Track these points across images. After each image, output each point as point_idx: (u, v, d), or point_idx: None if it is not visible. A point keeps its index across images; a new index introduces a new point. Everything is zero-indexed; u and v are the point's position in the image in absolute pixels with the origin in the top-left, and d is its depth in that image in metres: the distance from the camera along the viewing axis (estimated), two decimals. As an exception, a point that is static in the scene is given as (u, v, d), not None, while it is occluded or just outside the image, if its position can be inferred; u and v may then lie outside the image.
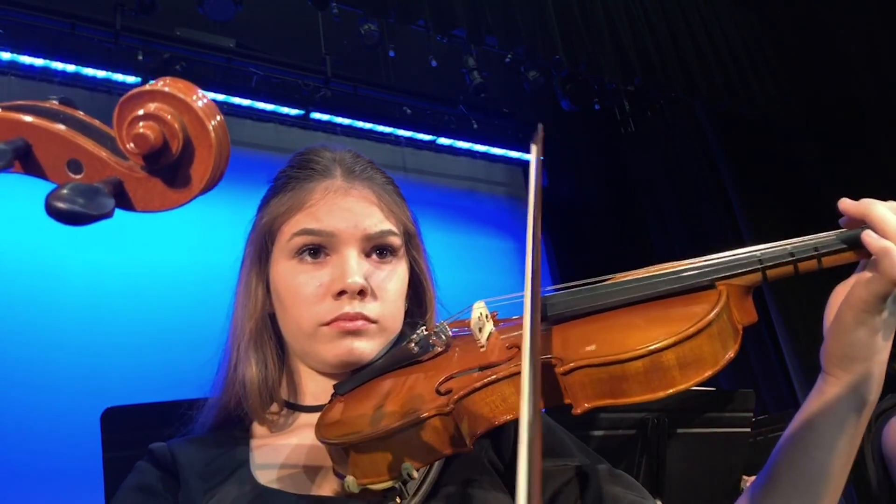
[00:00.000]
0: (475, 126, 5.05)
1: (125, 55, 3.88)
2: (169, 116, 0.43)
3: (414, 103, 4.87)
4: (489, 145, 5.21)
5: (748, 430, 1.93)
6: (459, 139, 5.15)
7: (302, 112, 4.52)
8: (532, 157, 0.87)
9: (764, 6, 4.90)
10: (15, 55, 3.73)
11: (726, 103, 4.62)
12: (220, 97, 4.26)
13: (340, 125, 4.71)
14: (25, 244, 3.59)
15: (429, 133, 5.05)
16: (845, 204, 0.75)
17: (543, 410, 0.88)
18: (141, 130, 0.42)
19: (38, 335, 3.50)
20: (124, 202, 0.44)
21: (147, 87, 0.43)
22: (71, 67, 3.85)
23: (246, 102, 4.35)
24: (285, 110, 4.49)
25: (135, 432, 1.35)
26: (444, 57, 4.41)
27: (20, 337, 3.46)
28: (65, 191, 0.39)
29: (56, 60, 3.82)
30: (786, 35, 4.83)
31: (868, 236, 0.72)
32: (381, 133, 4.87)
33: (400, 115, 4.84)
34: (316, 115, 4.56)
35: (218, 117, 0.44)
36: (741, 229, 4.70)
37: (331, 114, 4.61)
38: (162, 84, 0.43)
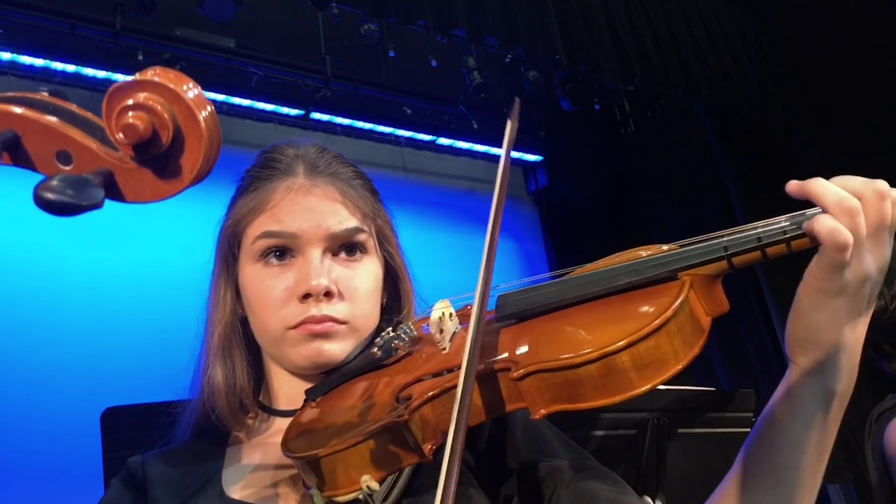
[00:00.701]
0: (475, 126, 5.04)
1: (125, 55, 3.88)
2: (159, 106, 0.42)
3: (414, 103, 4.86)
4: (489, 145, 5.20)
5: (748, 430, 1.92)
6: (459, 139, 5.14)
7: (302, 112, 4.51)
8: (507, 133, 0.83)
9: (764, 6, 4.89)
10: (15, 55, 3.72)
11: (726, 103, 4.61)
12: (220, 97, 4.25)
13: (340, 125, 4.70)
14: (25, 244, 3.58)
15: (429, 133, 5.04)
16: (791, 186, 0.71)
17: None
18: (130, 121, 0.42)
19: (39, 335, 3.49)
20: (115, 193, 0.44)
21: (137, 76, 0.43)
22: (71, 67, 3.85)
23: (246, 102, 4.34)
24: (285, 110, 4.49)
25: (135, 432, 1.35)
26: (444, 57, 4.40)
27: (20, 337, 3.45)
28: (54, 182, 0.39)
29: (56, 60, 3.81)
30: (786, 35, 4.82)
31: (806, 223, 0.68)
32: (381, 133, 4.86)
33: (400, 115, 4.83)
34: (316, 115, 4.55)
35: (208, 108, 0.44)
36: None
37: (331, 114, 4.60)
38: (152, 74, 0.43)
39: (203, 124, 0.43)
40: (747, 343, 4.64)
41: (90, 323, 3.62)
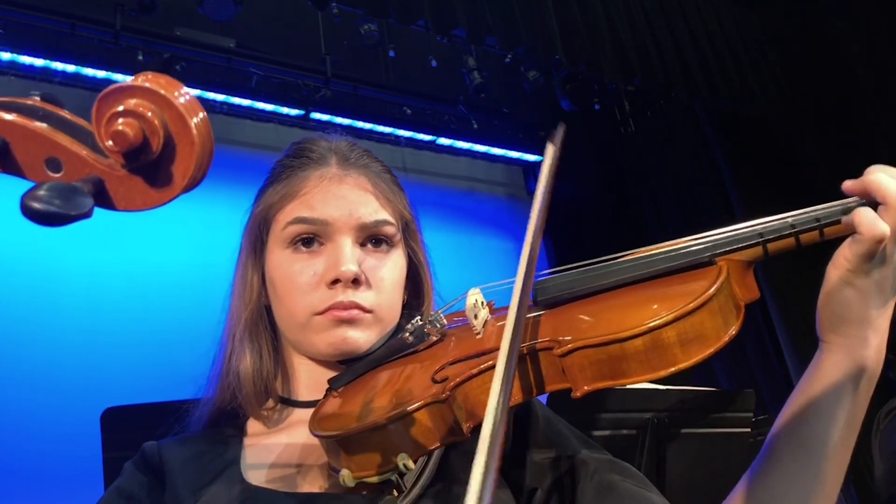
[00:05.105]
0: (475, 126, 5.04)
1: (125, 55, 3.88)
2: (149, 113, 0.41)
3: (414, 103, 4.85)
4: (489, 145, 5.19)
5: (748, 430, 1.93)
6: (459, 139, 5.13)
7: (302, 112, 4.51)
8: (548, 156, 0.87)
9: (764, 6, 4.88)
10: (15, 55, 3.72)
11: (726, 103, 4.60)
12: (220, 97, 4.25)
13: (340, 125, 4.70)
14: (25, 244, 3.58)
15: (429, 133, 5.03)
16: (847, 185, 0.75)
17: (545, 396, 0.87)
18: (120, 128, 0.41)
19: (38, 335, 3.49)
20: (105, 201, 0.43)
21: (127, 82, 0.42)
22: (71, 67, 3.84)
23: (246, 102, 4.34)
24: (285, 110, 4.48)
25: (135, 432, 1.35)
26: (444, 57, 4.40)
27: (20, 337, 3.45)
28: (41, 191, 0.38)
29: (56, 60, 3.81)
30: (786, 35, 4.81)
31: (857, 208, 0.73)
32: (381, 133, 4.86)
33: (400, 115, 4.82)
34: (316, 115, 4.55)
35: (201, 114, 0.43)
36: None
37: (331, 114, 4.60)
38: (143, 79, 0.42)
39: (195, 131, 0.42)
40: (747, 343, 4.64)
41: (89, 323, 3.62)
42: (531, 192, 5.74)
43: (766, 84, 4.71)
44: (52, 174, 0.43)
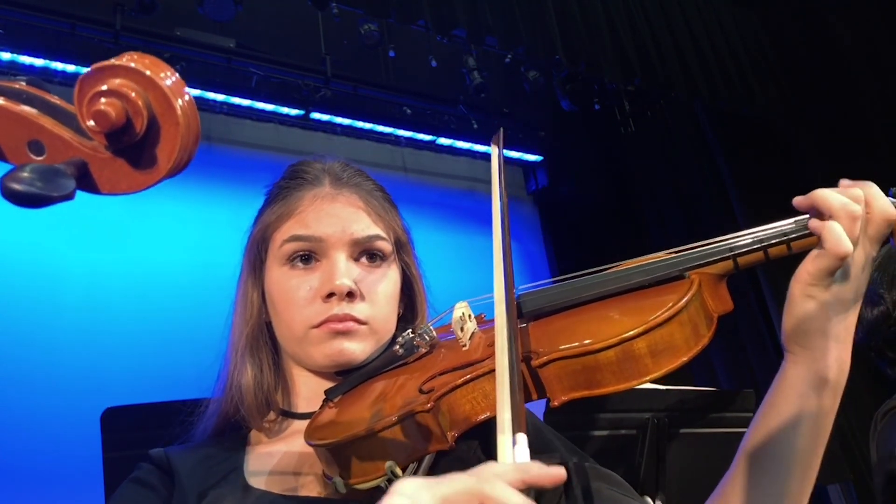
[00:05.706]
0: (475, 126, 5.04)
1: (125, 55, 3.88)
2: (133, 93, 0.41)
3: (414, 103, 4.85)
4: (489, 145, 5.18)
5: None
6: (459, 139, 5.14)
7: (302, 112, 4.51)
8: (493, 156, 0.91)
9: (764, 6, 4.88)
10: (15, 55, 3.73)
11: (726, 103, 4.60)
12: (220, 97, 4.26)
13: (340, 125, 4.70)
14: (25, 244, 3.58)
15: (429, 133, 5.03)
16: (797, 200, 0.78)
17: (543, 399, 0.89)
18: (102, 107, 0.40)
19: (38, 335, 3.49)
20: (89, 184, 0.43)
21: (112, 61, 0.41)
22: (71, 67, 3.85)
23: (246, 102, 4.35)
24: (285, 110, 4.49)
25: (135, 432, 1.36)
26: (444, 57, 4.40)
27: (20, 337, 3.45)
28: (23, 173, 0.38)
29: (56, 60, 3.81)
30: (786, 35, 4.81)
31: (812, 221, 0.77)
32: (381, 133, 4.86)
33: (400, 115, 4.82)
34: (316, 116, 4.55)
35: (186, 95, 0.43)
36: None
37: (331, 114, 4.60)
38: (127, 59, 0.41)
39: (179, 112, 0.42)
40: (747, 343, 4.63)
41: (89, 323, 3.62)
42: (531, 192, 5.76)
43: (766, 84, 4.70)
44: (34, 157, 0.43)
